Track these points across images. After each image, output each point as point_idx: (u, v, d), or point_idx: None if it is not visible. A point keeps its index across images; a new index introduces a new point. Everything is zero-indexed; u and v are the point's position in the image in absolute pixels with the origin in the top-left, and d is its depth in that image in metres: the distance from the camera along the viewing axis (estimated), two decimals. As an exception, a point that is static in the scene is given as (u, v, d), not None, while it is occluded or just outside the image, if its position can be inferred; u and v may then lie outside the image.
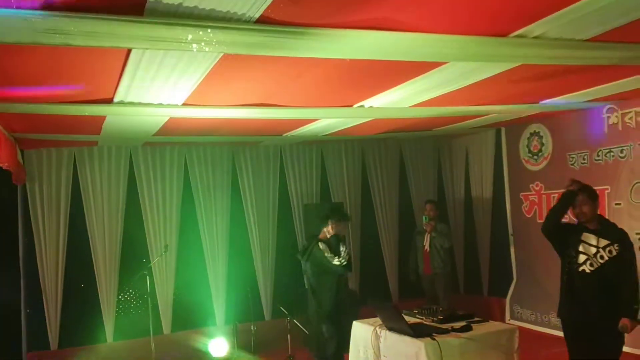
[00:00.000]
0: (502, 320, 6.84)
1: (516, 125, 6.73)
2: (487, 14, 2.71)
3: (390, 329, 4.09)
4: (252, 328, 6.03)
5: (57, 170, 6.10)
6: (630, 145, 5.37)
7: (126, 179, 6.37)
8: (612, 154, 5.57)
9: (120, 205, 6.32)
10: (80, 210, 6.19)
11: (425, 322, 4.25)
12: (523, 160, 6.76)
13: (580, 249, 3.66)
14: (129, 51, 2.82)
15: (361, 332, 4.43)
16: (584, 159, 5.89)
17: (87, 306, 6.19)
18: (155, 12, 2.35)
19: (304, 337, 5.96)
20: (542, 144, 6.46)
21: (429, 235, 6.46)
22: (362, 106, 4.59)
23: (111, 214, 6.26)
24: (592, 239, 3.65)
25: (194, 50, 2.66)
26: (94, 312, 6.19)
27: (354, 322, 4.57)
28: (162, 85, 3.52)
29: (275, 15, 2.47)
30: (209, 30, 2.48)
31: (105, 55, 2.83)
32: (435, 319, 4.26)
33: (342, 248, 4.94)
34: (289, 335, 5.73)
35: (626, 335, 3.58)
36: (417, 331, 3.87)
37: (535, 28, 2.90)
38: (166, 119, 4.66)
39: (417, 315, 4.42)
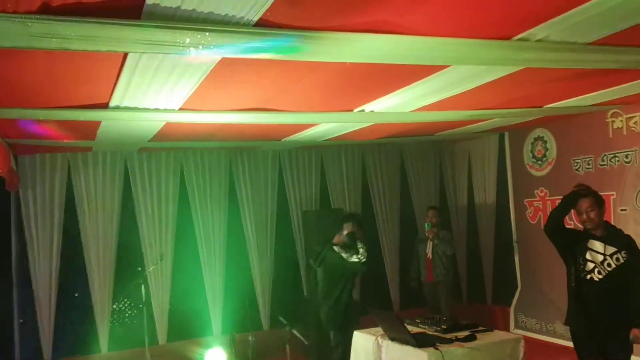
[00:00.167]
0: (507, 329, 6.72)
1: (520, 130, 6.64)
2: (489, 17, 2.67)
3: (392, 338, 4.04)
4: (250, 338, 5.90)
5: (51, 177, 5.99)
6: (635, 150, 5.30)
7: (121, 185, 6.27)
8: (617, 158, 5.49)
9: (115, 212, 6.21)
10: (74, 218, 6.10)
11: (428, 332, 4.18)
12: (527, 166, 6.66)
13: (588, 256, 3.62)
14: (125, 55, 2.78)
15: (362, 342, 4.38)
16: (588, 164, 5.81)
17: (81, 315, 6.09)
18: (153, 16, 2.32)
19: (303, 348, 5.86)
20: (547, 149, 6.37)
21: (431, 242, 6.38)
22: (362, 110, 4.54)
23: (106, 221, 6.16)
24: (598, 246, 3.60)
25: (191, 54, 2.61)
26: (88, 321, 6.09)
27: (355, 332, 4.50)
28: (159, 90, 3.46)
29: (274, 18, 2.42)
30: (207, 33, 2.44)
31: (101, 59, 2.79)
32: (438, 328, 4.19)
33: (359, 245, 4.93)
34: (287, 346, 5.62)
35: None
36: (420, 341, 3.82)
37: (537, 31, 2.87)
38: (162, 124, 4.60)
39: (420, 325, 4.36)
